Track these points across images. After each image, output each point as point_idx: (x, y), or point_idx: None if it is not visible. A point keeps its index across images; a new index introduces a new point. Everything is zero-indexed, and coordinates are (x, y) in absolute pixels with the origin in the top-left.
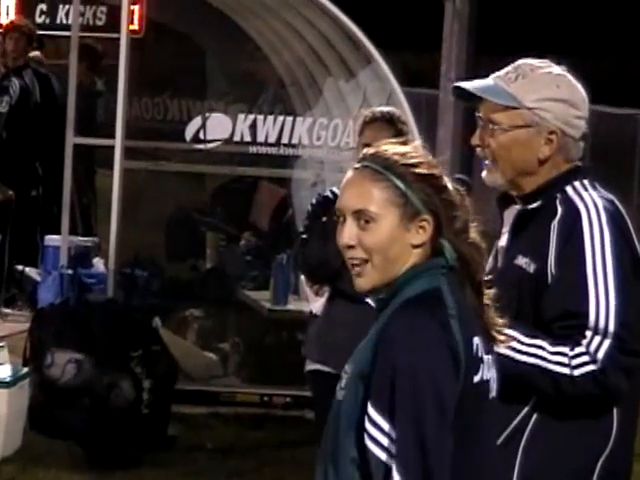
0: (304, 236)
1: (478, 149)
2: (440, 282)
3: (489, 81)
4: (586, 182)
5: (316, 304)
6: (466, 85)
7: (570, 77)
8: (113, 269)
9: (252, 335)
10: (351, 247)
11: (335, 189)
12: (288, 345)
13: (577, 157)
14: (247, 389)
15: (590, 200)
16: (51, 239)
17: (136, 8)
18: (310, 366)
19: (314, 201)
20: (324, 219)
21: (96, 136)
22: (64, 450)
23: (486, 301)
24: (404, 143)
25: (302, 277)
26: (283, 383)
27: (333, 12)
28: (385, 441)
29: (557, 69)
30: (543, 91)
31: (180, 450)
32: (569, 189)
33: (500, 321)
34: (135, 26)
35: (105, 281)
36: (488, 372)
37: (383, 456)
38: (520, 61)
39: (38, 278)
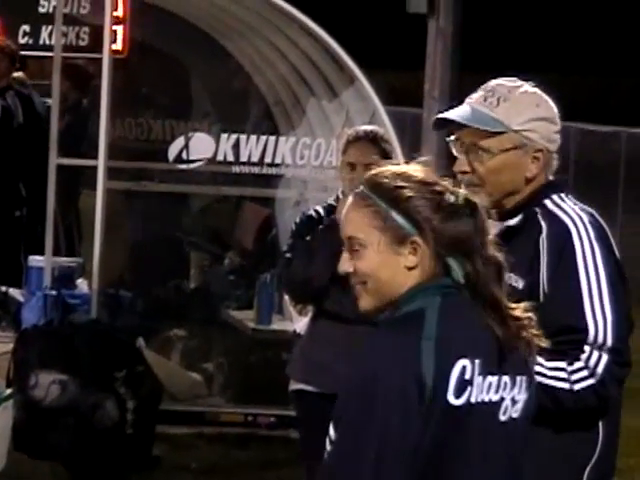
0: (288, 255)
1: (463, 177)
2: (430, 303)
3: (466, 108)
4: (563, 195)
5: (300, 323)
6: (451, 116)
7: (542, 93)
8: (97, 290)
9: (236, 355)
10: (350, 272)
11: (319, 208)
12: (272, 364)
13: (554, 170)
14: (231, 409)
15: (575, 215)
16: (35, 260)
17: (119, 28)
18: (294, 386)
19: (298, 220)
20: (308, 238)
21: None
22: (49, 471)
23: (519, 315)
24: (407, 162)
25: (286, 296)
26: (268, 403)
27: (316, 32)
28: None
29: (529, 87)
30: (526, 112)
31: (165, 470)
32: (548, 203)
33: (535, 333)
34: (118, 46)
35: (89, 302)
36: (489, 394)
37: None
38: (492, 83)
39: (22, 299)
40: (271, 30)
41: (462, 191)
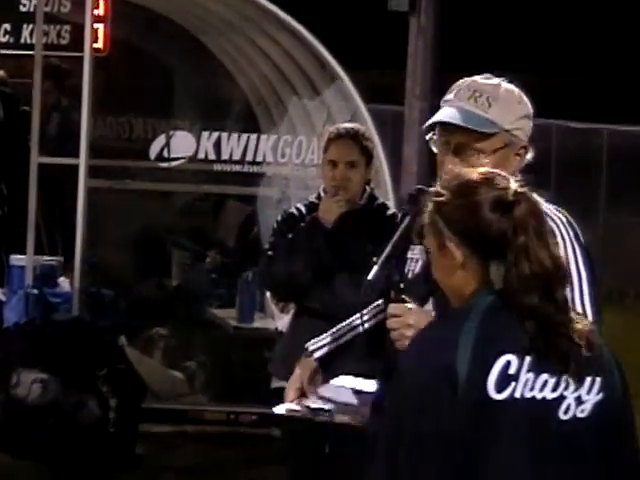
0: (270, 253)
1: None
2: (481, 301)
3: (458, 109)
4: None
5: (282, 321)
6: (448, 119)
7: (517, 88)
8: (78, 288)
9: (218, 353)
10: None
11: (301, 206)
12: (254, 362)
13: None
14: (214, 407)
15: (555, 216)
16: (16, 259)
17: (100, 27)
18: (276, 383)
19: (280, 218)
20: (290, 236)
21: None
22: (31, 470)
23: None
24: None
25: (268, 294)
26: (250, 401)
27: (298, 30)
28: None
29: (505, 83)
30: (514, 111)
31: (148, 469)
32: None
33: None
34: (100, 45)
35: (71, 300)
36: (542, 391)
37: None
38: (469, 82)
39: (3, 298)
40: (253, 29)
41: (513, 187)
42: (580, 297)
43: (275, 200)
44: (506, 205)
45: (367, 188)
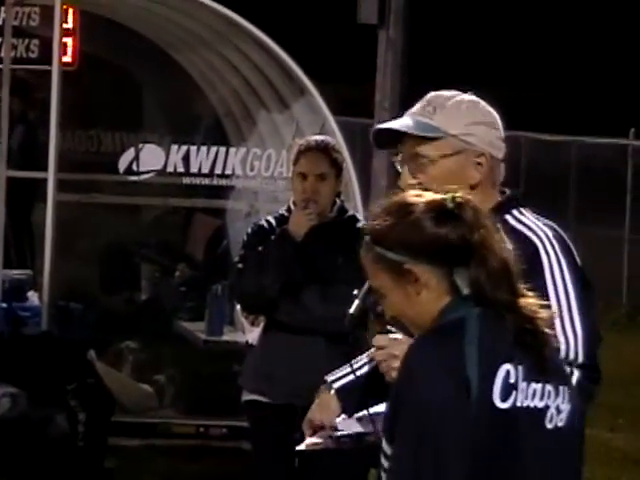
0: (239, 266)
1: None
2: (468, 312)
3: (404, 118)
4: (523, 210)
5: (252, 334)
6: (389, 125)
7: (483, 102)
8: (47, 302)
9: (188, 366)
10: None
11: (271, 218)
12: (224, 376)
13: (500, 179)
14: (183, 420)
15: (540, 231)
16: None
17: (69, 40)
18: (247, 396)
19: (249, 231)
20: (260, 249)
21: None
22: None
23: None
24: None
25: (238, 307)
26: (219, 414)
27: (267, 44)
28: (387, 464)
29: (467, 96)
30: (463, 117)
31: None
32: (509, 218)
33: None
34: (69, 58)
35: (40, 314)
36: (534, 400)
37: (384, 476)
38: (430, 95)
39: None
40: (222, 43)
41: (449, 195)
42: (569, 312)
43: (244, 213)
44: (451, 212)
45: (337, 200)
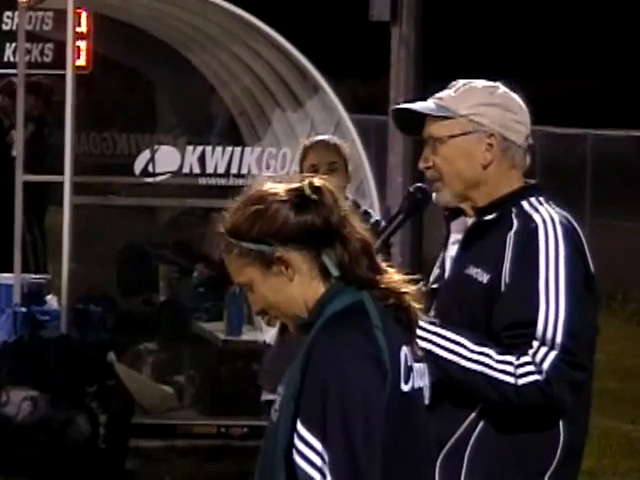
0: None
1: (427, 172)
2: (362, 295)
3: (424, 102)
4: (542, 199)
5: (269, 334)
6: (403, 105)
7: (504, 87)
8: (66, 305)
9: (207, 366)
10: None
11: None
12: (243, 375)
13: (524, 165)
14: (204, 421)
15: (547, 214)
16: (3, 277)
17: (83, 44)
18: (266, 396)
19: None
20: None
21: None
22: None
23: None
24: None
25: None
26: (240, 413)
27: (280, 43)
28: (318, 461)
29: (488, 82)
30: (475, 98)
31: None
32: (525, 203)
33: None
34: (82, 62)
35: (59, 318)
36: (420, 380)
37: (317, 476)
38: (455, 81)
39: None
40: (235, 42)
41: (306, 181)
42: (555, 293)
43: None
44: (309, 197)
45: (349, 196)
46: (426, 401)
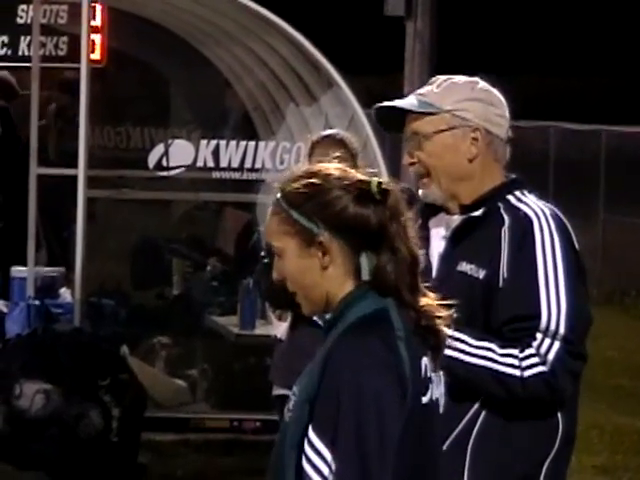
0: (266, 260)
1: (411, 168)
2: (387, 302)
3: (406, 99)
4: (526, 192)
5: (280, 329)
6: (384, 104)
7: (484, 82)
8: (79, 299)
9: (220, 360)
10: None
11: None
12: (256, 369)
13: (505, 158)
14: (216, 415)
15: (538, 208)
16: (17, 270)
17: (97, 38)
18: (277, 391)
19: None
20: None
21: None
22: None
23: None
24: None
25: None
26: (252, 408)
27: (295, 37)
28: (325, 470)
29: (468, 77)
30: (459, 93)
31: (151, 478)
32: (511, 198)
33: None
34: (97, 55)
35: (72, 311)
36: (437, 390)
37: None
38: (434, 77)
39: (5, 309)
40: (249, 37)
41: (375, 179)
42: (555, 285)
43: None
44: (372, 196)
45: None
46: (441, 410)
